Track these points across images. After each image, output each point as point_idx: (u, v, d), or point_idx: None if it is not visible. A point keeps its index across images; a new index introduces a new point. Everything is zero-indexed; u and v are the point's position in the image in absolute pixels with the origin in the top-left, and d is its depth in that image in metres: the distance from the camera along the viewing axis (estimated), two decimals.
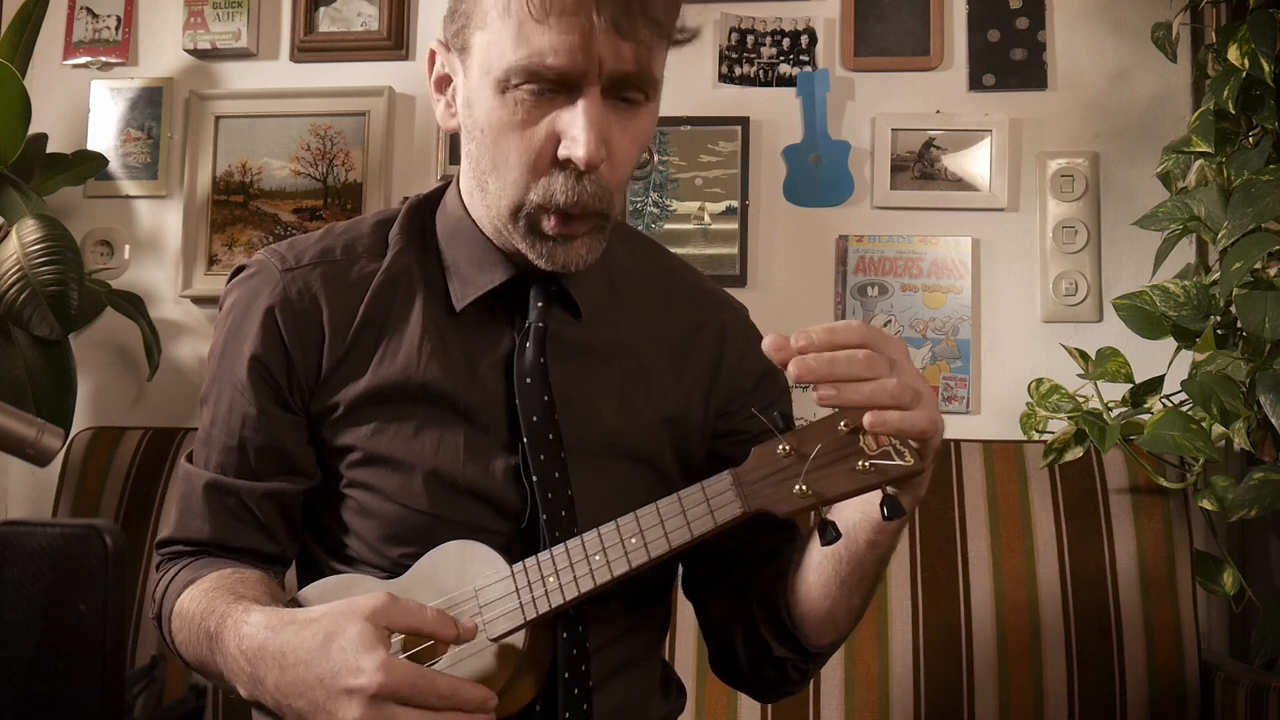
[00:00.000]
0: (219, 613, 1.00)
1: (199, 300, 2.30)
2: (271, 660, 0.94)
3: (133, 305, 2.17)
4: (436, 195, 1.19)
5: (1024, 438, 1.93)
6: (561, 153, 1.00)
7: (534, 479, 1.06)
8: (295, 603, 1.07)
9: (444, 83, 1.09)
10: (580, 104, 0.98)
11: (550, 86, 0.98)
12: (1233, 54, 1.72)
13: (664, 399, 1.15)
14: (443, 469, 1.07)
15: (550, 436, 1.07)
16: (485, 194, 1.07)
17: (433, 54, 1.09)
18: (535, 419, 1.07)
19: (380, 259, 1.13)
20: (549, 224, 1.02)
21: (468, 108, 1.05)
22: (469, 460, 1.07)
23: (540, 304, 1.09)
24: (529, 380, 1.07)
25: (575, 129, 0.98)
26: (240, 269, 1.15)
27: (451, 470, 1.07)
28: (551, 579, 0.98)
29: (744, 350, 1.21)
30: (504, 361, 1.10)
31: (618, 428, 1.12)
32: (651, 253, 1.25)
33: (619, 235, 1.22)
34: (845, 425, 0.92)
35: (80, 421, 2.13)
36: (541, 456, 1.06)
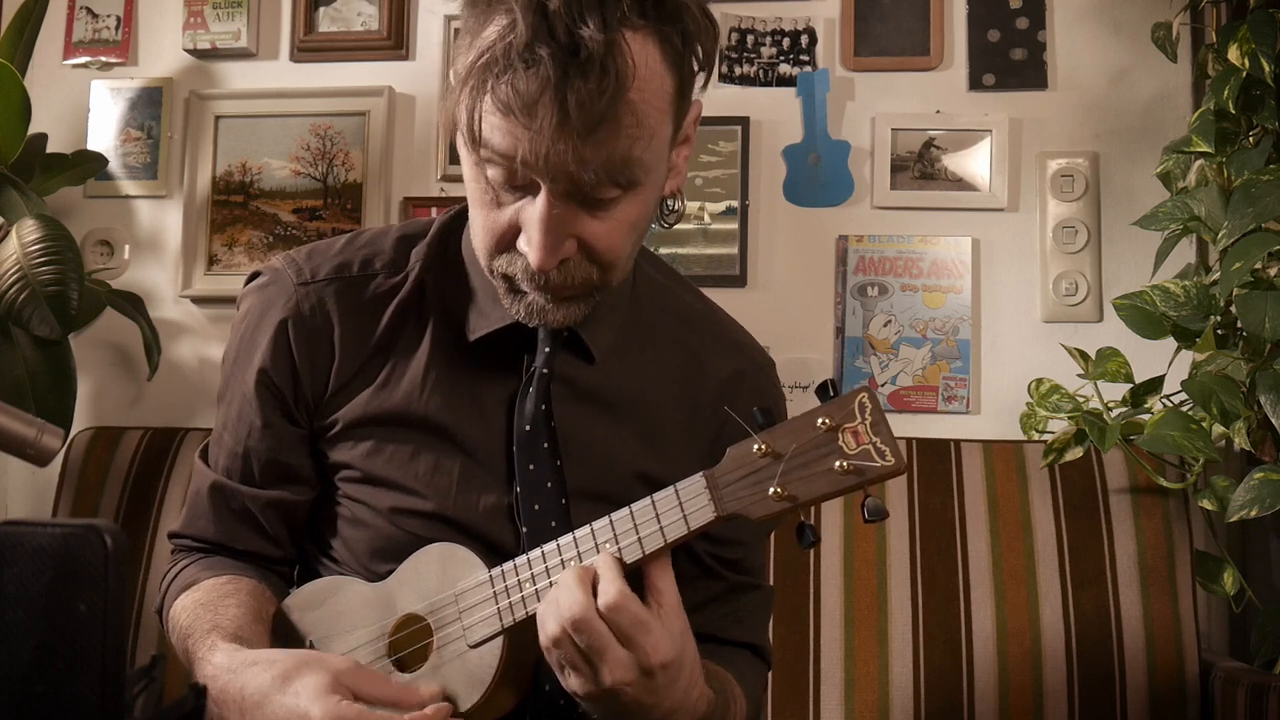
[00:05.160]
0: (195, 637, 1.01)
1: (199, 300, 2.29)
2: (232, 703, 0.94)
3: (133, 305, 2.17)
4: (465, 213, 1.18)
5: (1024, 438, 1.93)
6: (520, 245, 0.97)
7: (524, 529, 1.05)
8: (282, 613, 1.08)
9: None
10: (537, 203, 0.94)
11: (512, 178, 0.94)
12: (1233, 54, 1.72)
13: (669, 457, 1.12)
14: (434, 496, 1.06)
15: (549, 484, 1.06)
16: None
17: None
18: (532, 467, 1.06)
19: (399, 277, 1.11)
20: (524, 283, 1.00)
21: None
22: (460, 493, 1.06)
23: (547, 349, 1.07)
24: (528, 428, 1.06)
25: (530, 229, 0.95)
26: (257, 274, 1.14)
27: (442, 499, 1.06)
28: (528, 584, 0.97)
29: (749, 405, 1.19)
30: (509, 400, 1.08)
31: (622, 477, 1.10)
32: (685, 296, 1.22)
33: (659, 272, 1.20)
34: (824, 423, 0.88)
35: (80, 421, 2.13)
36: (536, 506, 1.05)
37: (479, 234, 1.00)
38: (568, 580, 0.91)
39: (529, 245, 0.95)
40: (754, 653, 1.20)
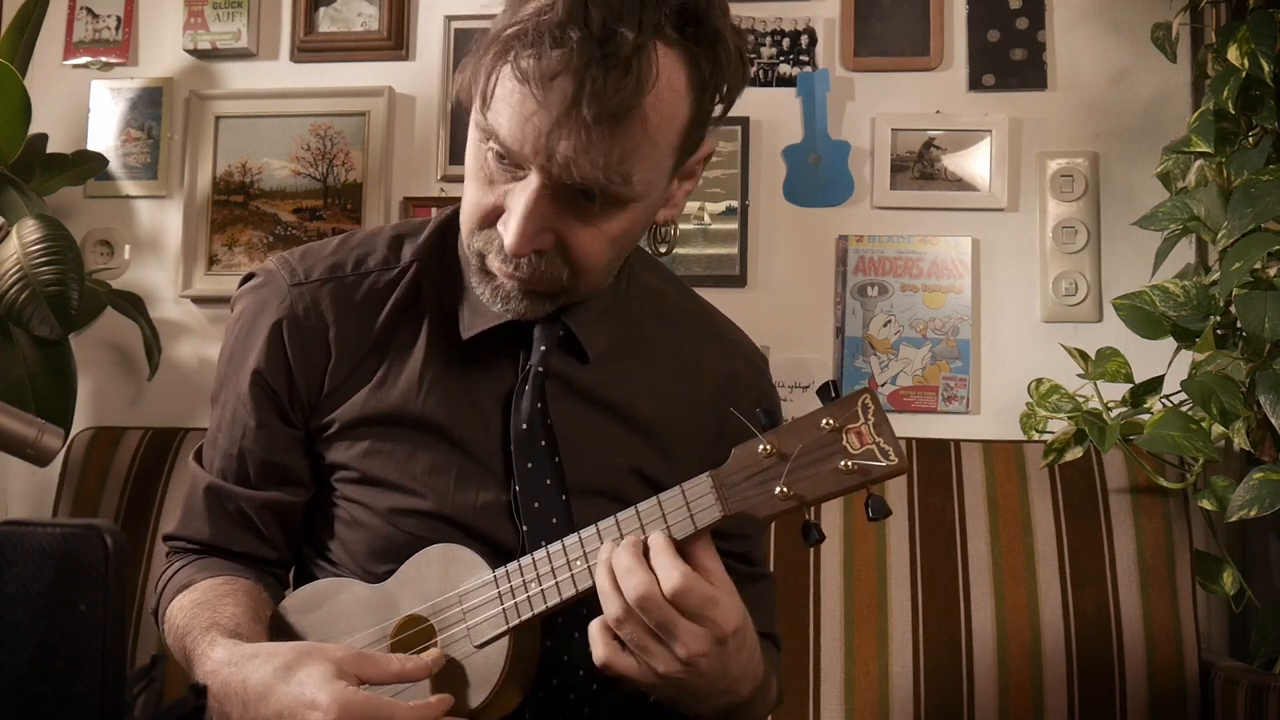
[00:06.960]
0: (193, 635, 1.01)
1: (199, 300, 2.30)
2: (235, 697, 0.93)
3: (133, 305, 2.17)
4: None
5: (1024, 438, 1.93)
6: (498, 226, 0.98)
7: (524, 528, 1.05)
8: (279, 615, 1.08)
9: None
10: (525, 187, 0.95)
11: (507, 158, 0.95)
12: (1232, 54, 1.72)
13: (667, 455, 1.13)
14: (431, 496, 1.06)
15: (548, 482, 1.06)
16: None
17: None
18: (530, 465, 1.06)
19: (392, 276, 1.11)
20: (494, 265, 1.01)
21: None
22: (458, 492, 1.06)
23: (543, 347, 1.07)
24: (525, 426, 1.06)
25: (512, 211, 0.96)
26: (251, 275, 1.14)
27: (440, 498, 1.06)
28: (534, 584, 0.97)
29: (750, 405, 1.19)
30: (505, 398, 1.08)
31: (620, 473, 1.10)
32: (679, 298, 1.22)
33: (654, 274, 1.20)
34: (828, 424, 0.90)
35: (80, 421, 2.13)
36: (536, 504, 1.05)
37: (466, 207, 1.02)
38: (626, 560, 0.90)
39: (505, 227, 0.96)
40: (770, 641, 1.22)
